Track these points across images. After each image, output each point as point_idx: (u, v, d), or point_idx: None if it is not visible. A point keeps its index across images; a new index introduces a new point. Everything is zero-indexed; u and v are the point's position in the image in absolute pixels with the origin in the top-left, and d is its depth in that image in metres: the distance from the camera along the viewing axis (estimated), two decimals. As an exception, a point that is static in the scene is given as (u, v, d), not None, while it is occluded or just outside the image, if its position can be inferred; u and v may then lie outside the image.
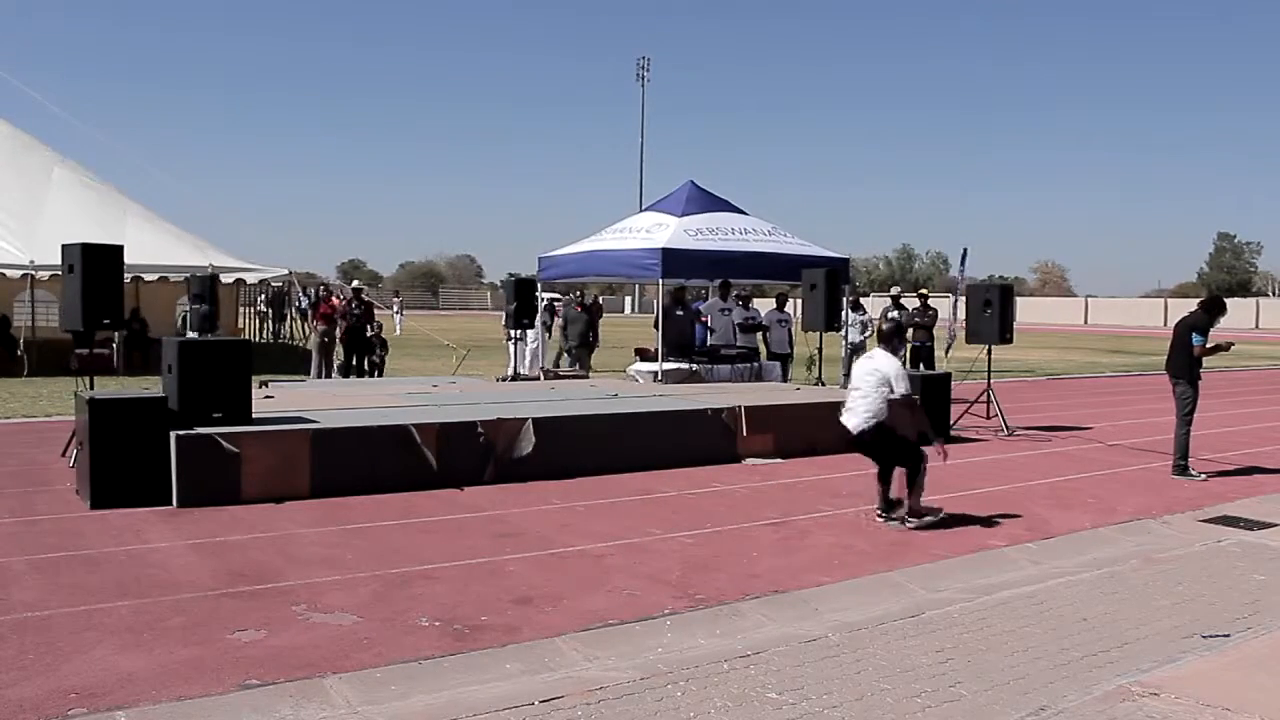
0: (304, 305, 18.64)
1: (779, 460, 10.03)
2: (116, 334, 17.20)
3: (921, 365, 16.30)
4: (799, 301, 13.87)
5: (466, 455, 8.53)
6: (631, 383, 13.74)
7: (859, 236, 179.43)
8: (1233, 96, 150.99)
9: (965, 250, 23.39)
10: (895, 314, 16.95)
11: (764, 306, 16.82)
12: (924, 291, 18.05)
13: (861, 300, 18.91)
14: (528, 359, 16.21)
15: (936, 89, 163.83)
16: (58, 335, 16.66)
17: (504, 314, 17.01)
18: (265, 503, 7.48)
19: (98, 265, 8.57)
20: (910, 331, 16.99)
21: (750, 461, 9.94)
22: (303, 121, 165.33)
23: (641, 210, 17.85)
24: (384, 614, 5.08)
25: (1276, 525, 7.60)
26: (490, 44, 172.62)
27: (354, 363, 16.47)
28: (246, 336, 24.67)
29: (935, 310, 17.50)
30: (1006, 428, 12.36)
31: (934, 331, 17.13)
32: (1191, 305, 10.04)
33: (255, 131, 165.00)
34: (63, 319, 9.21)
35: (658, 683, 4.26)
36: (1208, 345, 9.45)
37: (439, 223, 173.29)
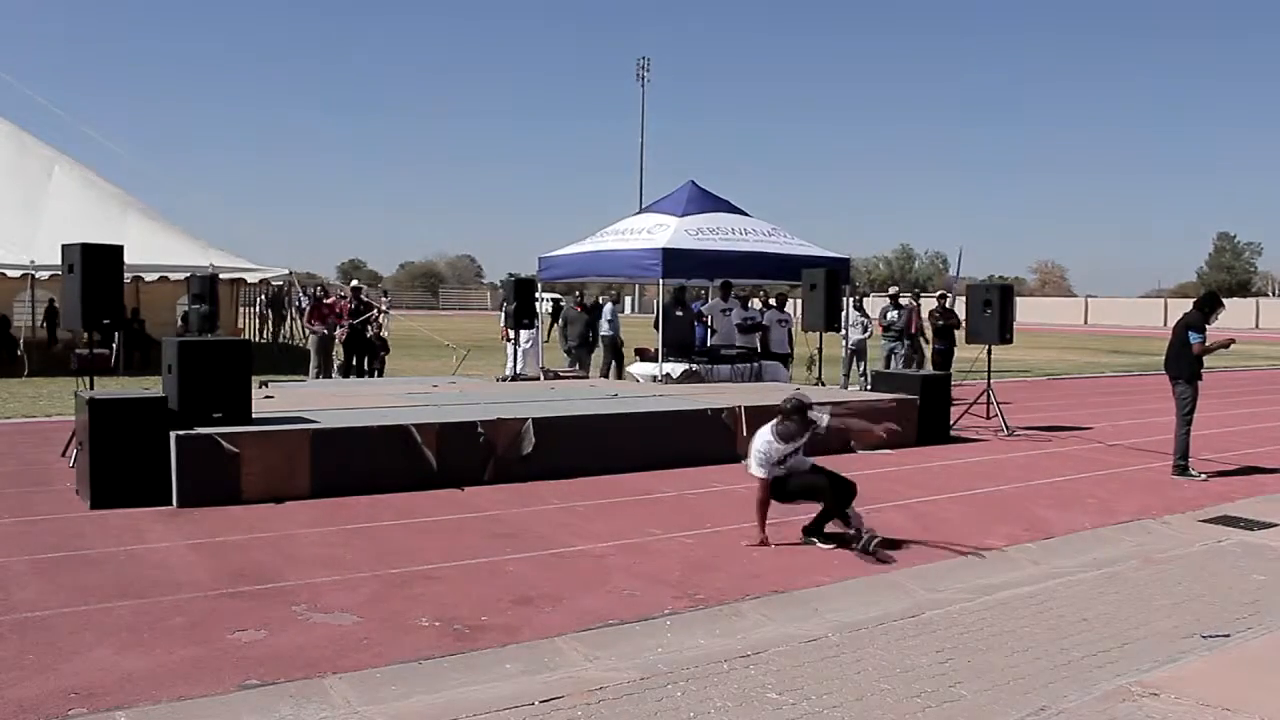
0: (303, 305, 18.64)
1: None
2: (116, 335, 17.19)
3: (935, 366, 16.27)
4: (798, 301, 13.87)
5: (466, 455, 8.52)
6: (631, 383, 13.74)
7: (859, 236, 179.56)
8: (1233, 96, 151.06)
9: (960, 250, 23.46)
10: (894, 314, 16.92)
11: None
12: (944, 294, 17.82)
13: (864, 301, 18.88)
14: (522, 359, 16.18)
15: (936, 89, 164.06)
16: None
17: (502, 314, 16.97)
18: (265, 503, 7.47)
19: (98, 265, 8.58)
20: (930, 333, 16.94)
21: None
22: (303, 121, 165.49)
23: (642, 210, 17.84)
24: (384, 614, 5.08)
25: (1276, 525, 7.61)
26: (490, 44, 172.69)
27: (354, 363, 16.47)
28: (246, 336, 24.66)
29: (958, 316, 16.91)
30: (1006, 428, 12.35)
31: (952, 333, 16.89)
32: (1190, 305, 10.04)
33: (256, 132, 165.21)
34: (63, 319, 9.22)
35: (658, 683, 4.26)
36: (1207, 343, 9.45)
37: (439, 223, 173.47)
